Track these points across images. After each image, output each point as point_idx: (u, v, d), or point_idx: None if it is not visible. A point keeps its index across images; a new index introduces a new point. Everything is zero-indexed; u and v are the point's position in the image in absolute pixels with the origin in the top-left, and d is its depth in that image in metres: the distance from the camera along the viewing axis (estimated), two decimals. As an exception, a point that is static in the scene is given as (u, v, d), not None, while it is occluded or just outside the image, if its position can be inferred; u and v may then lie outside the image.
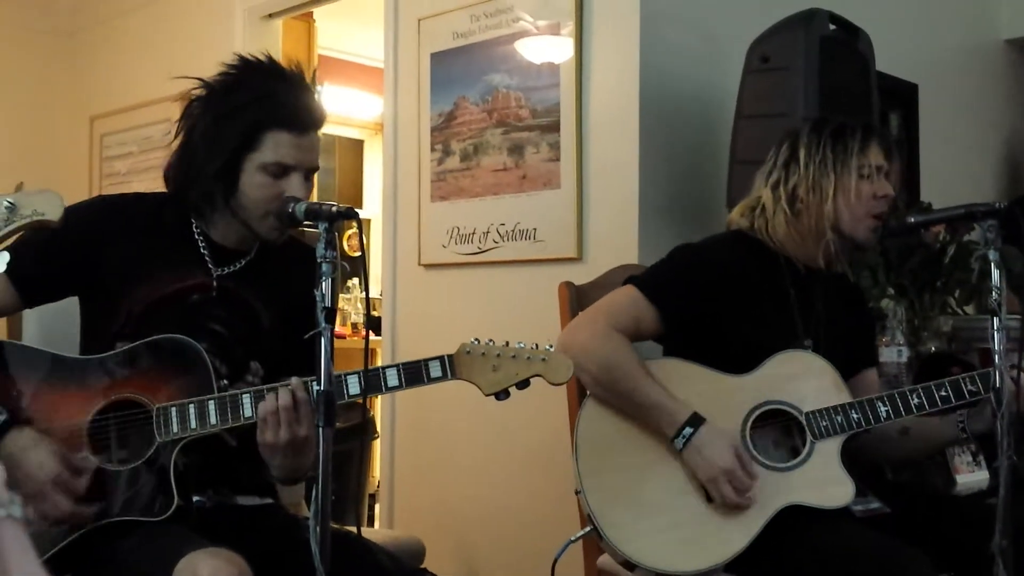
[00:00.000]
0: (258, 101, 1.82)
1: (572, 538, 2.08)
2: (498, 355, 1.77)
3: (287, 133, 1.81)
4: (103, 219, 1.88)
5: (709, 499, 1.94)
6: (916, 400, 1.98)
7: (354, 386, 1.75)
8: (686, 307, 2.05)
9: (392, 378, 1.76)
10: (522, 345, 1.78)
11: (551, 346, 1.81)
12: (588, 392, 2.04)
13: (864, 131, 2.09)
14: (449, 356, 1.77)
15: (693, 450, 1.92)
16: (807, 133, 2.11)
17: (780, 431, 2.03)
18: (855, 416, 1.98)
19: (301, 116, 1.83)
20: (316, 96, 1.89)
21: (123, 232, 1.87)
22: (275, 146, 1.81)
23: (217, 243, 1.91)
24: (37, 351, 1.83)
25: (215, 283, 1.89)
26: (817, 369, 2.04)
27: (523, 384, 1.78)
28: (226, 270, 1.91)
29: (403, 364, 1.76)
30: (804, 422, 1.98)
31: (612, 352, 1.98)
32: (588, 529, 1.98)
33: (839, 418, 1.98)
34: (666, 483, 1.96)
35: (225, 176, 1.82)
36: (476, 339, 1.78)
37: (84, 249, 1.84)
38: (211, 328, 1.85)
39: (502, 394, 1.78)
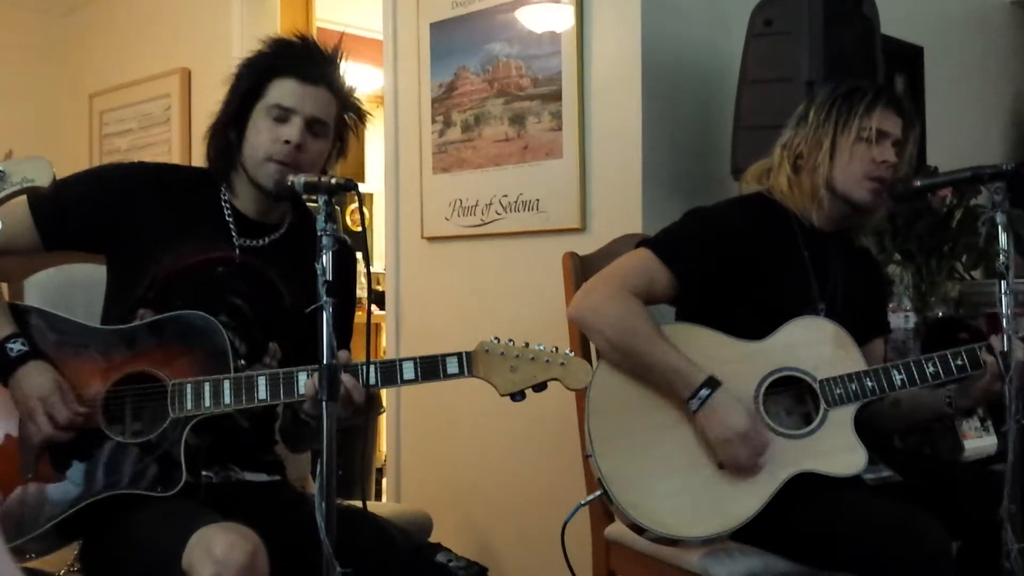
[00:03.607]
0: (272, 55, 1.92)
1: (582, 502, 2.08)
2: (517, 356, 1.77)
3: (292, 79, 1.88)
4: (137, 183, 1.92)
5: (720, 465, 1.93)
6: (932, 369, 1.97)
7: (371, 377, 1.76)
8: (700, 269, 2.04)
9: (409, 371, 1.77)
10: (541, 347, 1.78)
11: (570, 351, 1.81)
12: (601, 356, 2.03)
13: (875, 94, 2.07)
14: (468, 353, 1.78)
15: (708, 412, 1.91)
16: (822, 94, 2.10)
17: (793, 398, 2.02)
18: (870, 384, 1.97)
19: (308, 66, 1.90)
20: (333, 59, 1.94)
21: (155, 198, 1.90)
22: (279, 91, 1.88)
23: (242, 213, 1.94)
24: (59, 317, 1.84)
25: (237, 252, 1.91)
26: (833, 336, 2.02)
27: (540, 387, 1.79)
28: (251, 243, 1.93)
29: (420, 358, 1.78)
30: (818, 389, 1.97)
31: (627, 315, 1.97)
32: (598, 493, 1.98)
33: (853, 386, 1.97)
34: (678, 448, 1.95)
35: (235, 125, 1.90)
36: (496, 338, 1.79)
37: (112, 207, 1.88)
38: (233, 302, 1.87)
39: (518, 395, 1.79)
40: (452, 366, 1.78)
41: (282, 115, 1.86)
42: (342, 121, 1.96)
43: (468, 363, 1.78)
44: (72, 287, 2.08)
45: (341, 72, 1.95)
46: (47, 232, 1.85)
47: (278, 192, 1.88)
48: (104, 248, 1.93)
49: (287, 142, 1.85)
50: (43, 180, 1.40)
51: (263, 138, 1.87)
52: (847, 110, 2.04)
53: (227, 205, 1.94)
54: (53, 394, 1.71)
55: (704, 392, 1.91)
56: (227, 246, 1.91)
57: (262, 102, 1.88)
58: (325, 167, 1.94)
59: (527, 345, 1.79)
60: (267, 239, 1.95)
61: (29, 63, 4.83)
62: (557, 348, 1.80)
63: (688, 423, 1.96)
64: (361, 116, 2.01)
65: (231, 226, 1.93)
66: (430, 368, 1.78)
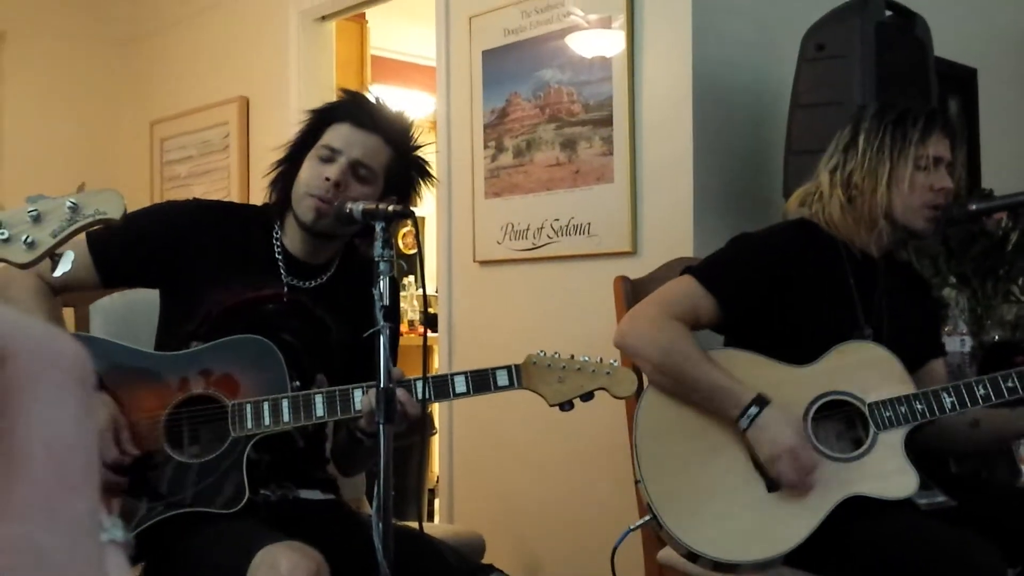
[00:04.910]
0: (336, 102, 2.01)
1: (632, 527, 2.08)
2: (564, 367, 1.81)
3: (346, 124, 1.93)
4: (192, 221, 1.97)
5: (770, 488, 1.93)
6: (982, 391, 1.95)
7: (425, 392, 1.79)
8: (744, 295, 2.04)
9: (460, 385, 1.81)
10: (587, 359, 1.82)
11: (615, 361, 1.83)
12: (647, 380, 2.04)
13: (927, 120, 2.05)
14: (516, 366, 1.82)
15: (757, 429, 1.91)
16: (870, 118, 2.08)
17: (843, 422, 2.01)
18: (919, 407, 1.95)
19: (364, 114, 1.95)
20: (397, 114, 2.00)
21: (208, 236, 1.95)
22: (332, 134, 1.94)
23: (291, 254, 1.99)
24: (117, 345, 1.88)
25: (286, 290, 1.95)
26: (881, 360, 2.01)
27: (587, 396, 1.82)
28: (301, 283, 1.98)
29: (471, 372, 1.82)
30: (867, 413, 1.96)
31: (672, 338, 1.98)
32: (648, 518, 1.98)
33: (903, 409, 1.95)
34: (727, 472, 1.95)
35: (291, 166, 1.96)
36: (542, 351, 1.83)
37: (168, 245, 1.92)
38: (282, 338, 1.90)
39: (566, 405, 1.83)
40: (502, 378, 1.82)
41: (329, 156, 1.91)
42: (399, 175, 1.98)
43: (517, 375, 1.82)
44: (135, 312, 2.14)
45: (407, 126, 2.00)
46: (105, 270, 1.90)
47: (315, 228, 1.92)
48: (158, 284, 1.98)
49: (327, 179, 1.89)
50: (115, 213, 1.42)
51: (307, 175, 1.93)
52: (902, 137, 2.02)
53: (278, 244, 1.99)
54: (105, 432, 1.73)
55: (753, 410, 1.91)
56: (276, 284, 1.95)
57: (316, 144, 1.95)
58: None
59: (573, 356, 1.83)
60: (313, 282, 1.99)
61: (92, 91, 4.95)
62: (602, 359, 1.83)
63: (737, 445, 1.96)
64: (425, 175, 2.04)
65: (280, 266, 1.97)
66: (481, 381, 1.82)
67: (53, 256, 1.40)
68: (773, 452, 1.89)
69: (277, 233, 2.00)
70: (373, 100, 2.00)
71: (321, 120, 1.97)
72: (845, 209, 2.07)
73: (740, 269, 2.06)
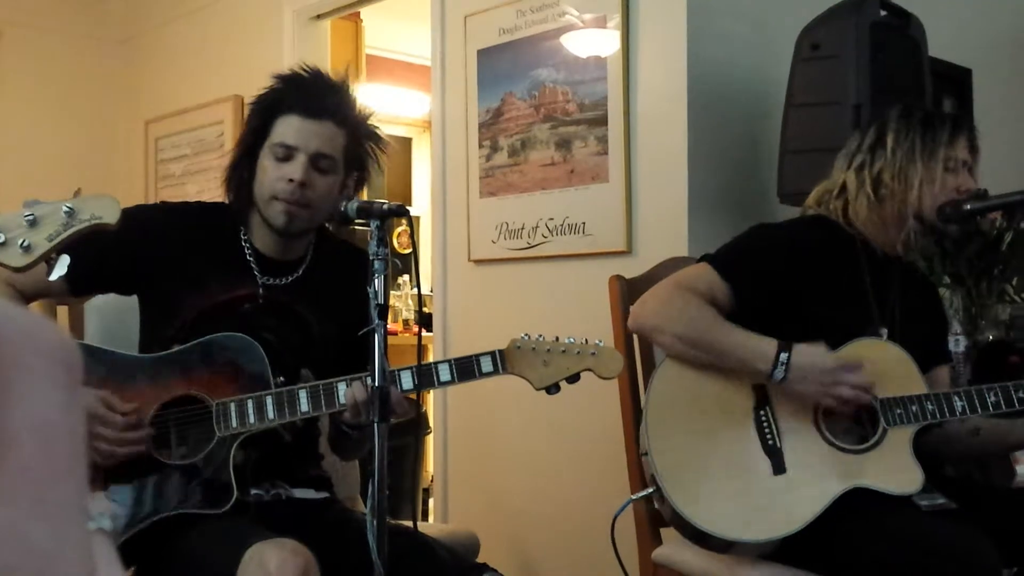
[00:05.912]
0: (278, 91, 1.93)
1: (633, 496, 2.07)
2: (548, 350, 1.80)
3: (295, 116, 1.88)
4: (159, 225, 1.94)
5: (776, 471, 1.93)
6: (993, 398, 1.96)
7: (407, 381, 1.78)
8: (759, 287, 2.04)
9: (444, 373, 1.79)
10: (572, 340, 1.81)
11: (601, 341, 1.82)
12: (666, 353, 2.04)
13: (954, 123, 2.07)
14: (500, 351, 1.80)
15: (796, 374, 1.91)
16: (896, 119, 2.09)
17: (851, 416, 2.01)
18: (930, 407, 1.96)
19: (311, 101, 1.89)
20: (340, 89, 1.94)
21: (177, 240, 1.92)
22: (283, 129, 1.89)
23: (261, 252, 1.96)
24: (100, 349, 1.88)
25: (260, 291, 1.93)
26: (896, 359, 2.02)
27: (573, 378, 1.81)
28: (276, 280, 1.95)
29: (455, 359, 1.80)
30: (878, 407, 1.97)
31: (692, 309, 1.98)
32: (651, 490, 1.97)
33: (914, 408, 1.96)
34: (735, 451, 1.95)
35: (246, 166, 1.92)
36: (526, 335, 1.81)
37: (135, 250, 1.89)
38: (263, 336, 1.88)
39: (552, 388, 1.81)
40: (486, 364, 1.80)
41: (286, 153, 1.87)
42: (356, 151, 1.96)
43: (502, 360, 1.80)
44: (130, 311, 2.13)
45: (352, 101, 1.95)
46: (73, 279, 1.86)
47: (290, 230, 1.91)
48: (132, 290, 1.96)
49: (291, 180, 1.86)
50: (110, 218, 1.42)
51: (269, 177, 1.88)
52: (932, 139, 2.04)
53: (247, 245, 1.96)
54: (98, 407, 1.73)
55: (783, 356, 1.91)
56: (251, 284, 1.93)
57: (268, 140, 1.89)
58: (349, 196, 1.93)
59: (557, 339, 1.82)
60: (289, 278, 1.97)
61: (88, 90, 4.94)
62: (587, 340, 1.82)
63: (748, 425, 1.96)
64: (379, 142, 2.00)
65: (253, 266, 1.94)
66: (465, 368, 1.80)
67: (49, 260, 1.41)
68: (826, 381, 1.91)
69: (245, 234, 1.96)
70: (316, 81, 1.94)
71: (268, 114, 1.91)
72: (873, 207, 2.06)
73: (757, 261, 2.07)
